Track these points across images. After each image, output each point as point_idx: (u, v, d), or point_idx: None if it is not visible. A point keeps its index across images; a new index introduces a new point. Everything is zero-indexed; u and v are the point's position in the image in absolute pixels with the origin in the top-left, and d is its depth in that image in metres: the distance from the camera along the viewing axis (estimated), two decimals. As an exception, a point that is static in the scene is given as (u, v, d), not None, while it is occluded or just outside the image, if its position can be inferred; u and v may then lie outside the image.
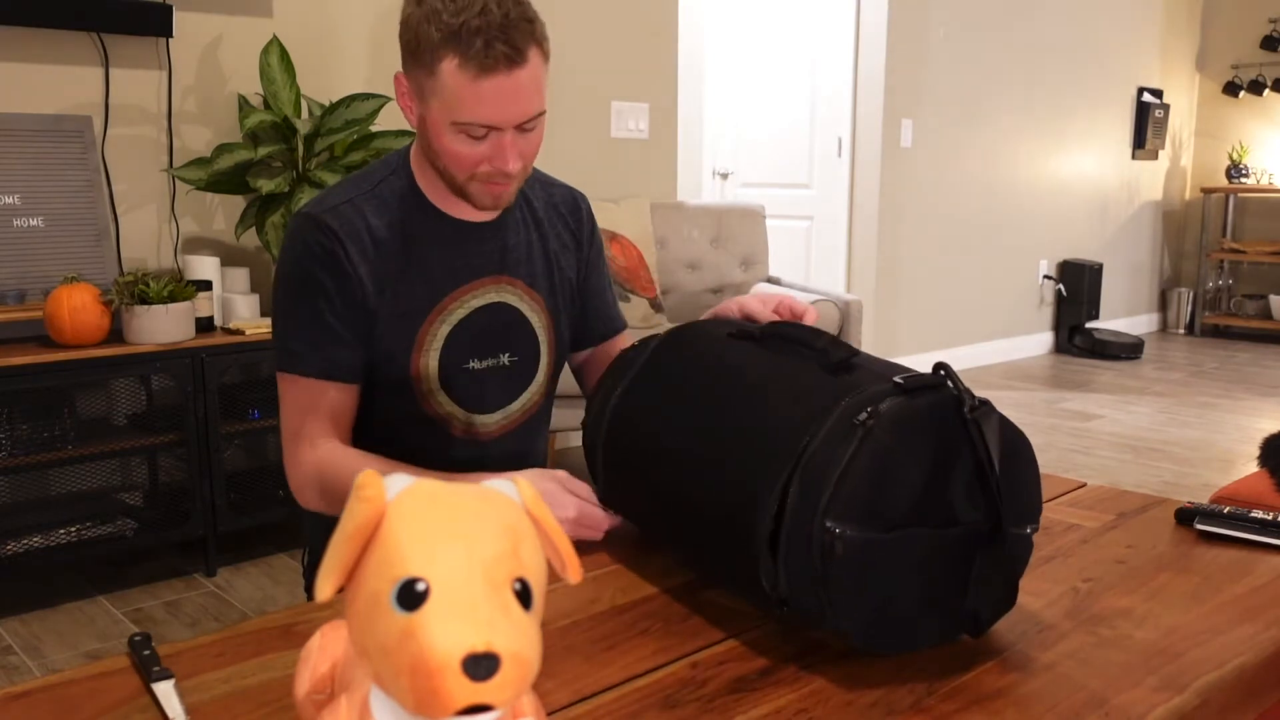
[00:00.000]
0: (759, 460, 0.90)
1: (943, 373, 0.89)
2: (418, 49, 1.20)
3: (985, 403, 0.88)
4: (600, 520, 1.15)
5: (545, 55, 1.23)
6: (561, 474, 1.18)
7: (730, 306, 1.25)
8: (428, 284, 1.32)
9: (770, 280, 4.25)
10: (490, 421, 1.39)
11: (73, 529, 2.68)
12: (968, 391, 0.88)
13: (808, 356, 0.98)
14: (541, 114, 1.25)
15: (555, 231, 1.45)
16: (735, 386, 1.00)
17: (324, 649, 0.68)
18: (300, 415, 1.30)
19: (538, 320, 1.41)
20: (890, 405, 0.86)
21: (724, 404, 0.99)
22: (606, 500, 1.15)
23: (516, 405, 1.41)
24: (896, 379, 0.89)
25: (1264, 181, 6.98)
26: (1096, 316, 6.40)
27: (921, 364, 5.57)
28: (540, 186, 1.46)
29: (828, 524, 0.83)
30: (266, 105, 3.01)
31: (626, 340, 1.52)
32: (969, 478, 0.88)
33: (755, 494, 0.89)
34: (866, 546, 0.83)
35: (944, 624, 0.89)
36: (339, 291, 1.28)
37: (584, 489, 1.17)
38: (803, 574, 0.85)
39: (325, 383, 1.29)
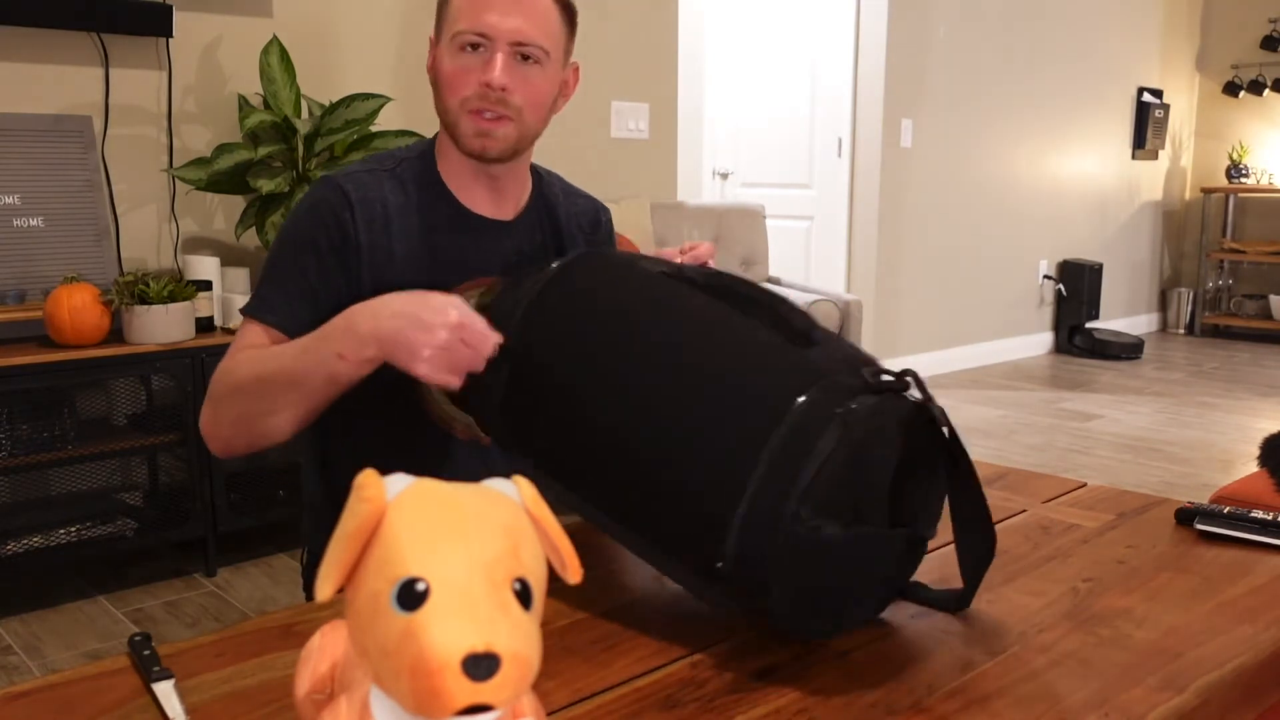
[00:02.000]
0: (735, 425, 0.87)
1: (909, 379, 0.90)
2: None
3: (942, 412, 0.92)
4: (484, 335, 1.03)
5: (563, 8, 1.28)
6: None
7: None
8: (433, 272, 1.30)
9: (770, 280, 4.25)
10: None
11: (73, 529, 2.68)
12: (932, 400, 0.91)
13: (761, 317, 0.95)
14: (545, 52, 1.27)
15: (573, 242, 1.44)
16: (696, 334, 0.95)
17: (324, 649, 0.68)
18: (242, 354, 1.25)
19: None
20: (865, 404, 0.86)
21: (685, 351, 0.94)
22: (502, 429, 1.03)
23: None
24: (866, 375, 0.89)
25: (1264, 181, 6.98)
26: (1096, 316, 6.40)
27: (922, 364, 5.57)
28: (564, 196, 1.45)
29: (802, 511, 0.82)
30: (266, 105, 3.01)
31: None
32: (918, 483, 0.92)
33: (731, 463, 0.86)
34: (832, 543, 0.83)
35: (863, 611, 0.94)
36: (332, 252, 1.26)
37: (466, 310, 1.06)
38: (757, 552, 0.84)
39: (282, 337, 1.26)
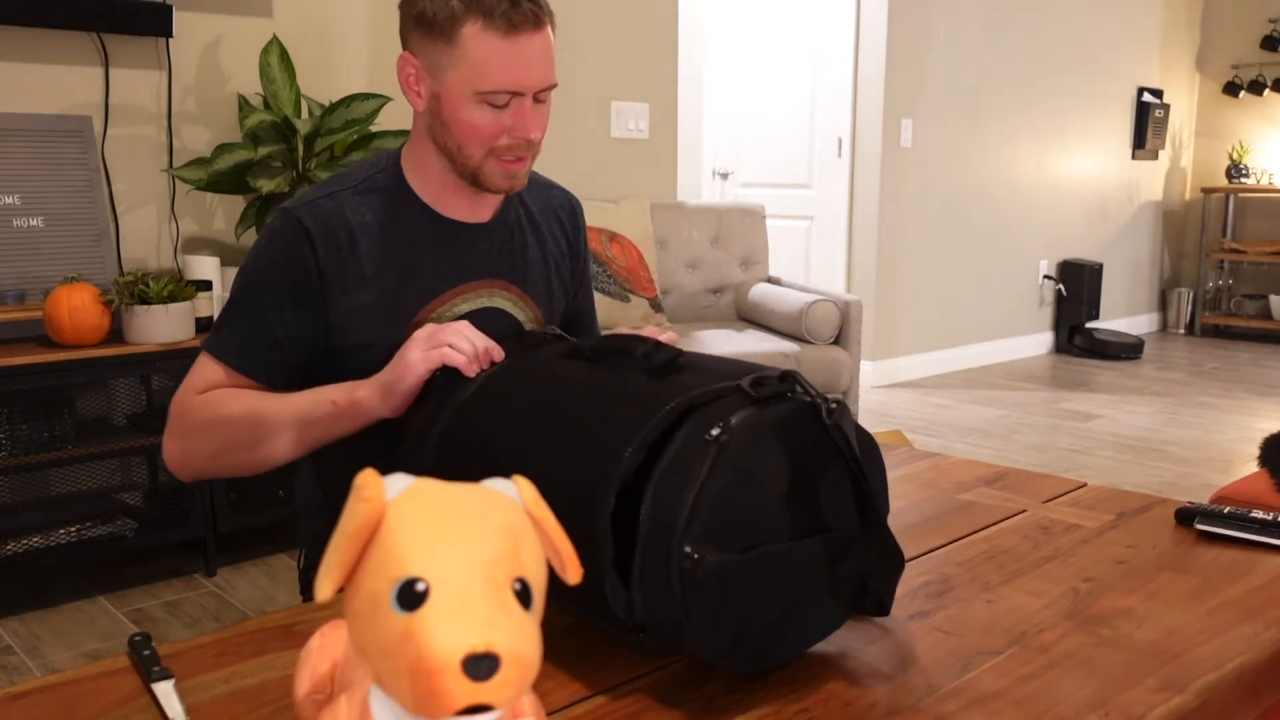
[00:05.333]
0: (588, 476, 0.84)
1: (793, 380, 0.87)
2: (433, 20, 1.19)
3: (840, 404, 0.86)
4: (470, 334, 1.09)
5: (552, 25, 1.26)
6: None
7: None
8: (415, 284, 1.29)
9: (770, 280, 4.25)
10: None
11: (73, 529, 2.68)
12: (821, 396, 0.86)
13: (632, 365, 0.94)
14: (555, 87, 1.26)
15: (553, 236, 1.42)
16: (562, 402, 0.95)
17: (324, 649, 0.68)
18: (201, 389, 1.26)
19: (533, 327, 1.37)
20: (742, 419, 0.82)
21: (552, 419, 0.94)
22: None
23: None
24: (744, 385, 0.85)
25: (1264, 181, 6.98)
26: (1096, 316, 6.40)
27: (922, 364, 5.56)
28: (537, 189, 1.43)
29: (686, 549, 0.78)
30: (266, 105, 3.01)
31: None
32: (827, 484, 0.86)
33: (589, 515, 0.82)
34: (726, 569, 0.79)
35: (813, 628, 0.88)
36: (292, 294, 1.25)
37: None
38: (661, 600, 0.80)
39: (241, 377, 1.26)
